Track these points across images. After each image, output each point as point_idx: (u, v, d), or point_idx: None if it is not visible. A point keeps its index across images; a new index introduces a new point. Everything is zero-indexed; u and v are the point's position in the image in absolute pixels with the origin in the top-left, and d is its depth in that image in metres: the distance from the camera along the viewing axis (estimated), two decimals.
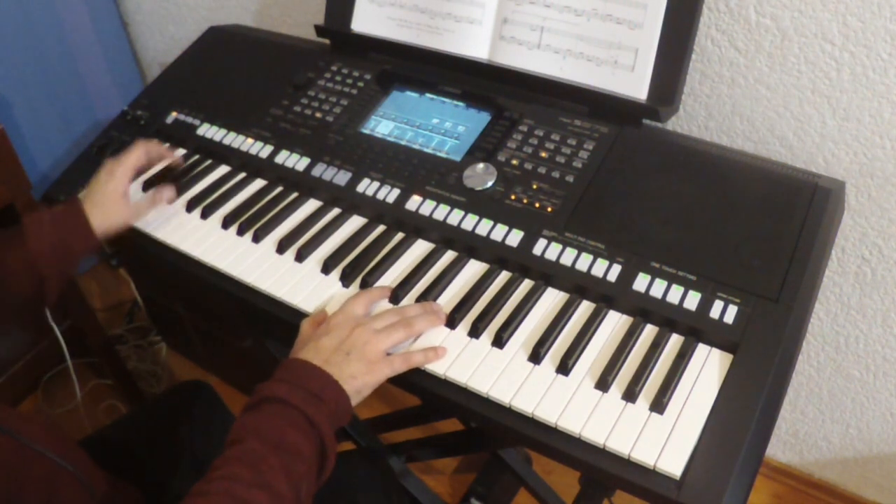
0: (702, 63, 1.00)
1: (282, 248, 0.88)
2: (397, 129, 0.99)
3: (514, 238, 0.83)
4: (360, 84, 1.05)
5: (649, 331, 0.75)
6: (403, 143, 0.97)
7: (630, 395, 0.68)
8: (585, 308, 0.78)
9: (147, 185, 1.00)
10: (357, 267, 0.84)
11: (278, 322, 0.82)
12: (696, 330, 0.73)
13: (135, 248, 0.96)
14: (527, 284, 0.81)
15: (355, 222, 0.92)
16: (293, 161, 0.98)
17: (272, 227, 0.91)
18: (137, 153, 0.93)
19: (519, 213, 0.86)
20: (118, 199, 0.89)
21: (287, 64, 1.12)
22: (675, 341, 0.73)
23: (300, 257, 0.86)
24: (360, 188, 0.93)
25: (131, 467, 0.92)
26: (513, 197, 0.87)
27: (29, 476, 0.69)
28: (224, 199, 0.97)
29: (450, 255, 0.85)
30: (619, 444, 0.64)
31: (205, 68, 1.18)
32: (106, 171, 0.90)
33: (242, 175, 1.01)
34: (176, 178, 1.00)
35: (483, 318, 0.76)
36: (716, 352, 0.72)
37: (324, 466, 0.66)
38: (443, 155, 0.94)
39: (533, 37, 0.97)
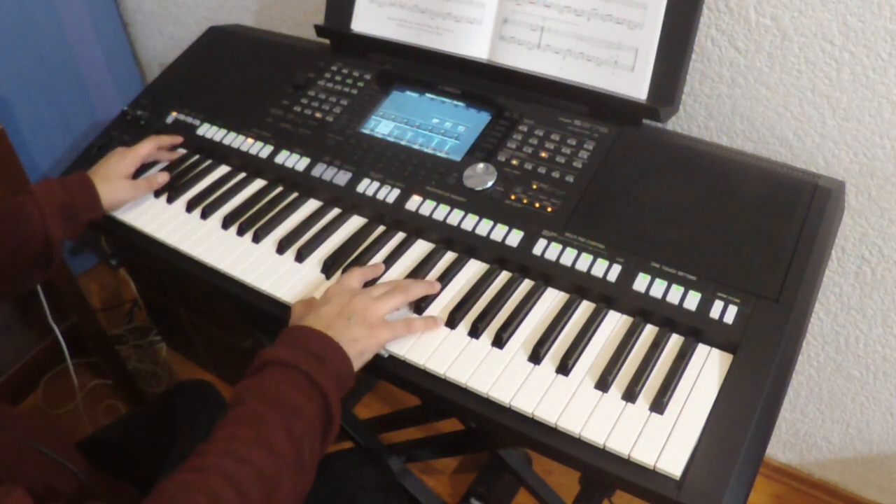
0: (702, 63, 1.00)
1: (282, 248, 0.88)
2: (397, 129, 0.99)
3: (514, 238, 0.83)
4: (360, 84, 1.05)
5: (649, 331, 0.75)
6: (403, 143, 0.97)
7: (630, 395, 0.68)
8: (585, 308, 0.78)
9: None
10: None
11: (278, 322, 0.82)
12: (696, 330, 0.73)
13: (135, 248, 0.96)
14: (527, 284, 0.81)
15: (355, 222, 0.92)
16: (293, 161, 0.98)
17: (272, 227, 0.91)
18: (149, 146, 1.01)
19: (519, 213, 0.85)
20: (124, 178, 0.97)
21: (287, 64, 1.12)
22: (675, 341, 0.74)
23: (300, 257, 0.87)
24: (360, 188, 0.93)
25: (131, 467, 0.91)
26: (513, 197, 0.87)
27: (24, 472, 0.69)
28: (224, 200, 0.97)
29: (450, 256, 0.85)
30: (619, 445, 0.65)
31: (205, 68, 1.18)
32: (118, 154, 0.98)
33: (242, 175, 1.01)
34: (172, 179, 1.02)
35: (483, 318, 0.76)
36: (716, 352, 0.72)
37: (329, 428, 0.66)
38: (443, 155, 0.94)
39: (533, 37, 0.97)
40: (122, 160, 0.97)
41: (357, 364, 0.71)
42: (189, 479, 0.58)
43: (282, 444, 0.61)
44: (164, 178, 0.99)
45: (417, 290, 0.78)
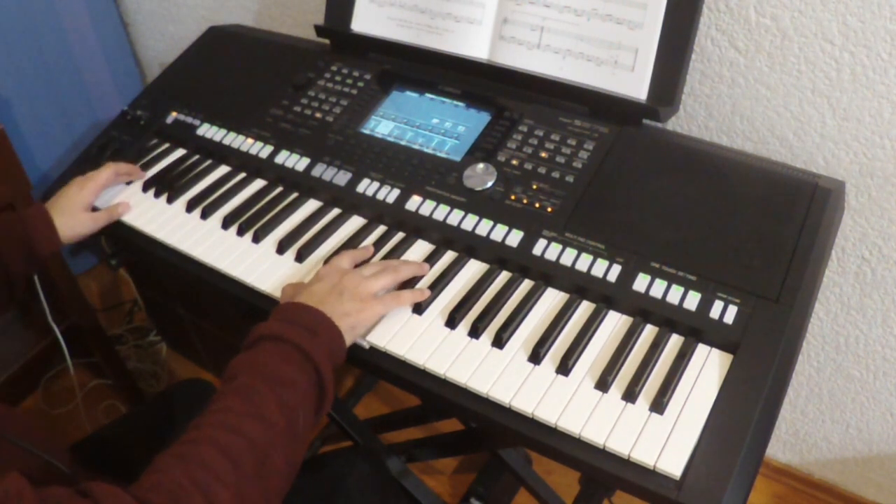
0: (702, 63, 1.00)
1: (282, 248, 0.88)
2: (397, 129, 0.99)
3: (514, 238, 0.83)
4: (360, 84, 1.05)
5: (649, 331, 0.75)
6: (403, 143, 0.97)
7: (630, 395, 0.68)
8: (585, 308, 0.78)
9: (146, 186, 1.01)
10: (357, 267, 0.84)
11: None
12: (696, 330, 0.73)
13: (135, 248, 0.96)
14: (527, 284, 0.81)
15: (355, 222, 0.92)
16: (293, 161, 0.98)
17: (272, 228, 0.91)
18: (107, 173, 0.98)
19: (519, 213, 0.85)
20: (83, 210, 0.95)
21: (287, 64, 1.12)
22: (675, 341, 0.73)
23: (300, 258, 0.87)
24: (360, 188, 0.93)
25: (130, 467, 0.91)
26: (513, 197, 0.87)
27: (11, 470, 0.69)
28: (224, 200, 0.97)
29: (450, 255, 0.85)
30: (619, 445, 0.65)
31: (205, 68, 1.18)
32: (77, 185, 0.96)
33: (242, 175, 1.01)
34: (171, 180, 1.02)
35: (483, 319, 0.76)
36: (716, 352, 0.72)
37: (322, 400, 0.68)
38: (443, 155, 0.94)
39: (533, 37, 0.97)
40: (81, 191, 0.95)
41: (349, 338, 0.73)
42: (184, 451, 0.59)
43: (274, 415, 0.62)
44: (124, 207, 0.98)
45: (407, 271, 0.80)
